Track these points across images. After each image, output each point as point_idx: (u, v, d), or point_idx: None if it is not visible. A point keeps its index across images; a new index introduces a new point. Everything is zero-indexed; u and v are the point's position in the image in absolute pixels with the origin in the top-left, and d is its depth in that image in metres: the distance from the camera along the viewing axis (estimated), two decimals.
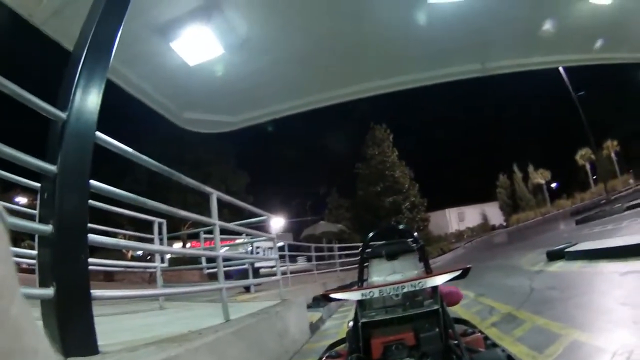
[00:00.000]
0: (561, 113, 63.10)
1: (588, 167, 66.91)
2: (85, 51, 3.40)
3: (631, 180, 55.07)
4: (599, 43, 9.37)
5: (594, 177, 65.49)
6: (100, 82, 3.49)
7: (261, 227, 11.69)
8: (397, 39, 7.99)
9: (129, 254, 25.90)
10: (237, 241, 15.04)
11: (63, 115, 3.20)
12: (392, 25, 7.61)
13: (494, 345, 4.12)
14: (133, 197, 4.42)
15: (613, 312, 5.96)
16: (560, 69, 31.06)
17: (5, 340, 0.43)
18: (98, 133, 3.55)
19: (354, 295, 3.53)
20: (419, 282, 3.35)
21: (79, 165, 3.32)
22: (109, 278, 24.06)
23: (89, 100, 3.39)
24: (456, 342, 3.35)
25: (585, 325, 5.59)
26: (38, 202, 3.31)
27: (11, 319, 0.44)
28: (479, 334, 4.13)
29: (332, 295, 3.59)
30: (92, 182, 3.49)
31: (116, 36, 3.69)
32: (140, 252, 24.59)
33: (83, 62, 3.37)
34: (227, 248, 14.75)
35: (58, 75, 3.56)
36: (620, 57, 10.41)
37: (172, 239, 17.76)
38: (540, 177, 73.35)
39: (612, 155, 63.11)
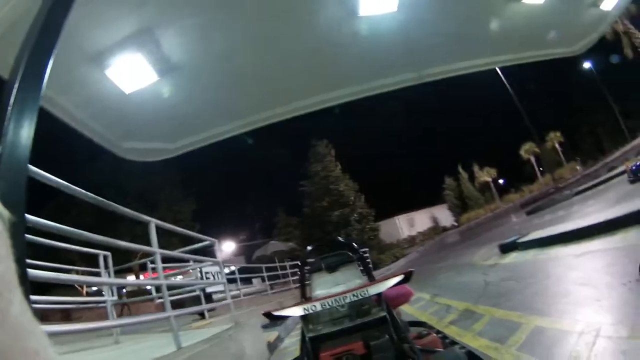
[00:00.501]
0: (502, 111, 65.24)
1: (533, 160, 69.01)
2: (18, 79, 3.33)
3: (578, 167, 56.83)
4: (534, 41, 9.71)
5: (541, 169, 67.31)
6: (32, 113, 3.40)
7: (210, 253, 11.58)
8: (331, 54, 8.10)
9: (84, 290, 25.14)
10: (188, 268, 14.85)
11: None
12: (325, 40, 7.71)
13: (453, 343, 4.19)
14: (69, 230, 4.36)
15: (573, 294, 6.12)
16: (498, 69, 31.99)
17: (6, 341, 0.43)
18: (31, 167, 3.47)
19: (296, 311, 3.54)
20: (361, 291, 3.38)
21: (14, 201, 3.24)
22: (66, 317, 23.37)
23: (22, 131, 3.31)
24: (410, 345, 3.39)
25: (546, 311, 5.73)
26: None
27: (11, 319, 0.45)
28: (435, 334, 4.19)
29: (275, 313, 3.61)
30: (29, 216, 3.41)
31: (48, 63, 3.63)
32: (94, 288, 23.94)
33: (16, 93, 3.30)
34: (180, 276, 14.52)
35: None
36: (555, 53, 10.80)
37: (122, 272, 17.31)
38: (486, 175, 75.47)
39: (557, 146, 65.09)
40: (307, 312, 3.47)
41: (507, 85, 40.88)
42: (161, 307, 17.86)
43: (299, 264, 5.40)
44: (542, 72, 49.21)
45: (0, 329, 0.43)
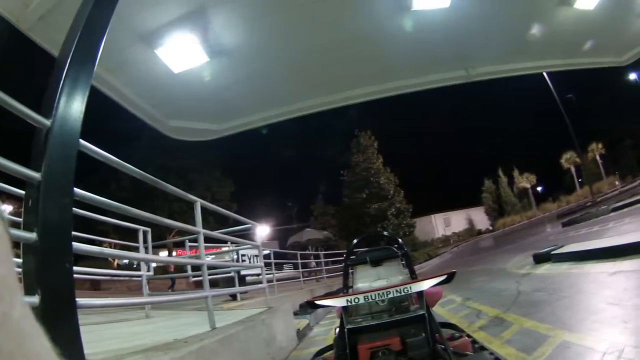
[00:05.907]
0: (546, 117, 63.68)
1: (573, 170, 67.05)
2: (70, 57, 3.37)
3: (617, 182, 55.12)
4: (582, 48, 9.51)
5: (580, 180, 65.62)
6: (84, 89, 3.47)
7: (246, 235, 11.65)
8: (382, 47, 8.05)
9: (115, 263, 25.69)
10: (223, 249, 14.98)
11: (47, 122, 3.17)
12: (377, 33, 7.67)
13: (482, 348, 4.14)
14: (116, 205, 4.39)
15: (602, 312, 5.99)
16: (545, 73, 31.42)
17: (8, 345, 0.42)
18: (82, 141, 3.53)
19: (339, 302, 3.54)
20: (405, 288, 3.38)
21: (64, 173, 3.29)
22: (95, 287, 23.90)
23: (73, 107, 3.36)
24: (443, 346, 3.36)
25: (574, 326, 5.62)
26: (23, 209, 3.28)
27: (13, 322, 0.43)
28: (467, 337, 4.15)
29: (318, 302, 3.61)
30: (76, 190, 3.46)
31: (101, 42, 3.68)
32: (126, 261, 24.39)
33: (67, 69, 3.34)
34: (213, 256, 14.68)
35: (45, 82, 3.53)
36: (603, 62, 10.58)
37: (157, 247, 17.63)
38: (525, 181, 73.51)
39: (598, 158, 63.36)
40: (349, 304, 3.47)
41: (553, 91, 40.03)
42: (192, 285, 18.33)
43: (345, 254, 5.41)
44: (589, 80, 47.69)
45: (2, 333, 0.41)
